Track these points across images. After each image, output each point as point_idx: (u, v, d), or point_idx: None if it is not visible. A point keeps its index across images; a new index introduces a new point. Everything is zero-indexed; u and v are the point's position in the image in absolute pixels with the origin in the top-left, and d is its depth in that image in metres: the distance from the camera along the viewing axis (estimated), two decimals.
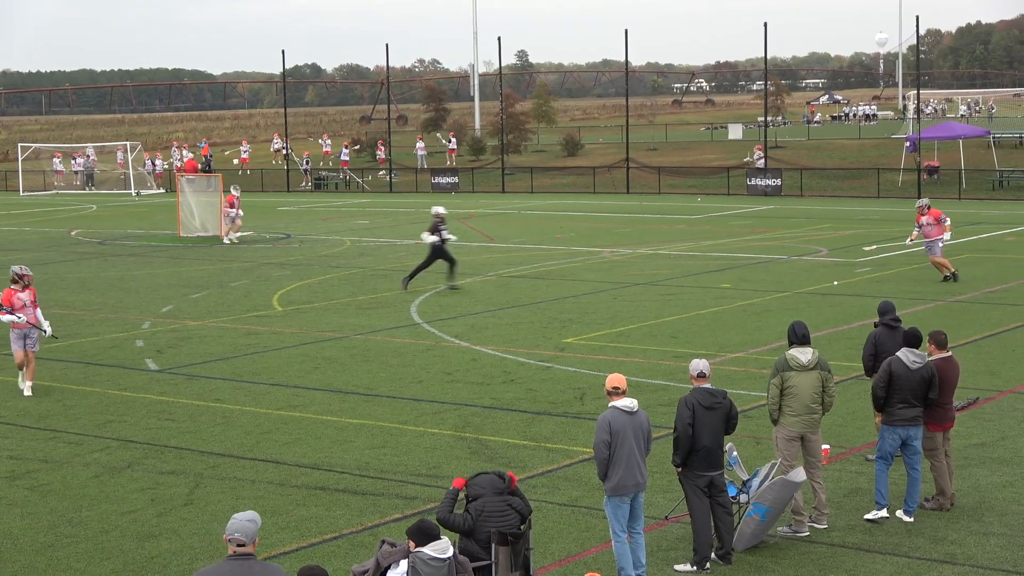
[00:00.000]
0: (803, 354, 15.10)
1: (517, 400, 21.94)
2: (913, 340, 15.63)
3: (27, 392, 23.22)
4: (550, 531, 15.20)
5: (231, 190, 49.13)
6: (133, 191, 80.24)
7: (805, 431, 15.11)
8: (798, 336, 15.29)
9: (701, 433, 13.99)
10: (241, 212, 49.54)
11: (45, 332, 23.94)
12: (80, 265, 43.04)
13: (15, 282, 23.67)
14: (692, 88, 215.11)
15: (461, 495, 12.86)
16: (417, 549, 11.38)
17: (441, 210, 35.83)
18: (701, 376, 14.25)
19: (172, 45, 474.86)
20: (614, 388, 13.59)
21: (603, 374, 17.18)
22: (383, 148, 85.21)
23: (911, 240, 34.42)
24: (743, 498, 14.69)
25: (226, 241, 48.45)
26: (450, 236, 36.09)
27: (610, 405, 13.59)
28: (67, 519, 16.26)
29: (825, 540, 14.90)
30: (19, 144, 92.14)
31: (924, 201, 34.27)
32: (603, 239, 46.14)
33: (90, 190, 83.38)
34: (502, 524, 12.46)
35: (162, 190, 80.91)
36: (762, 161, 69.67)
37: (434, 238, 35.21)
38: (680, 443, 14.07)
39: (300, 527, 15.67)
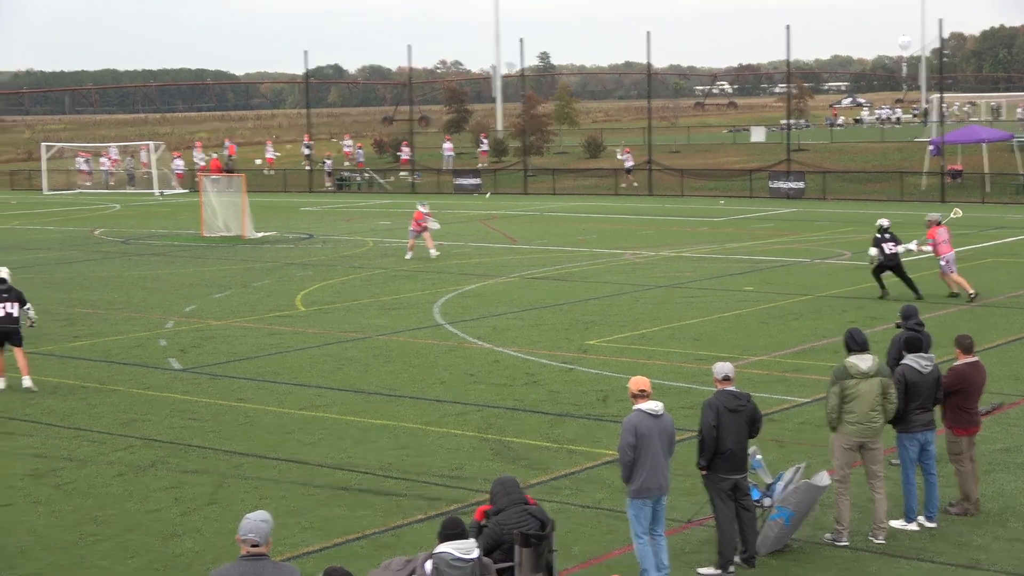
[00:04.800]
0: (863, 361, 14.95)
1: (540, 402, 21.94)
2: (914, 345, 15.58)
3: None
4: (573, 533, 15.19)
5: (419, 206, 42.85)
6: (157, 191, 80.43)
7: (865, 439, 14.94)
8: (857, 343, 15.12)
9: (726, 436, 13.97)
10: (437, 225, 43.55)
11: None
12: (103, 264, 43.17)
13: None
14: (714, 91, 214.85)
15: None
16: (441, 549, 11.34)
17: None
18: (726, 379, 14.22)
19: (195, 45, 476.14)
20: (640, 391, 13.58)
21: (626, 376, 17.19)
22: (405, 149, 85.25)
23: (916, 247, 33.34)
24: (767, 502, 14.66)
25: (408, 256, 42.19)
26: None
27: (635, 408, 13.57)
28: (91, 517, 16.32)
29: (848, 544, 14.86)
30: (43, 143, 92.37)
31: (935, 216, 33.23)
32: (625, 241, 46.10)
33: (132, 190, 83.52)
34: (524, 528, 12.44)
35: (185, 190, 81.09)
36: (630, 162, 72.97)
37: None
38: (705, 446, 14.05)
39: (324, 527, 15.69)
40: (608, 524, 15.57)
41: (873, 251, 32.29)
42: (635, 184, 72.60)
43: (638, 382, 13.67)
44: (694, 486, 16.07)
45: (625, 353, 25.91)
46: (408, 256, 41.91)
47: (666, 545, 13.81)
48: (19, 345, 24.08)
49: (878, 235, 32.25)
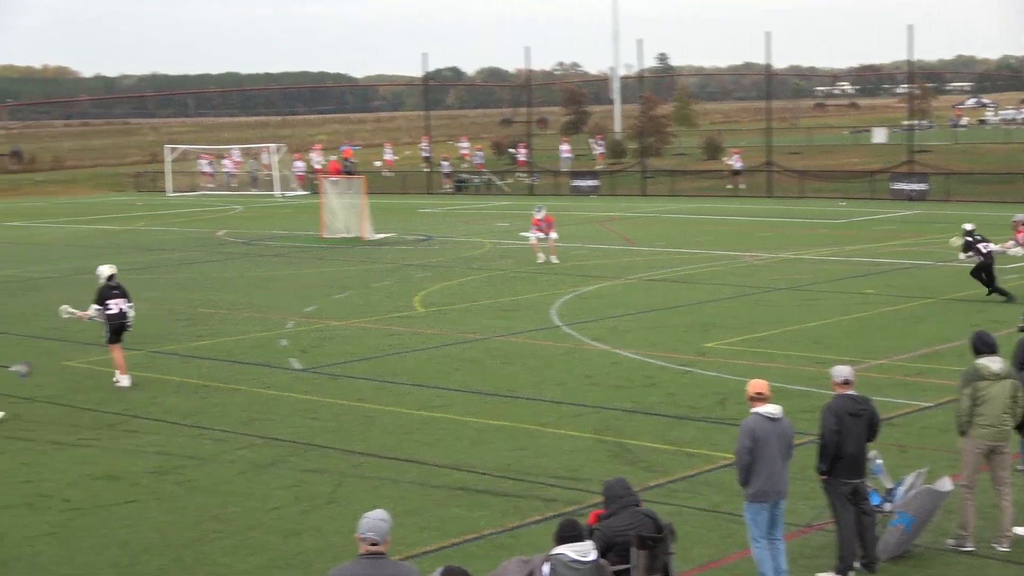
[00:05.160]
0: (994, 363, 14.71)
1: (658, 404, 21.87)
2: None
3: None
4: (690, 536, 15.11)
5: (535, 213, 41.69)
6: (278, 192, 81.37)
7: (996, 443, 14.69)
8: (987, 345, 14.88)
9: (846, 440, 13.83)
10: (552, 236, 41.42)
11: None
12: (226, 265, 43.77)
13: None
14: (835, 91, 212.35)
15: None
16: (558, 551, 11.36)
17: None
18: (846, 383, 14.08)
19: (315, 48, 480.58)
20: (757, 394, 13.49)
21: (744, 379, 17.05)
22: (523, 151, 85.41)
23: (1004, 248, 33.02)
24: (887, 507, 14.48)
25: (540, 259, 41.39)
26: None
27: (753, 411, 13.47)
28: (213, 515, 16.55)
29: (972, 550, 14.62)
30: (167, 146, 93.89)
31: (1021, 216, 33.17)
32: (744, 243, 45.78)
33: (254, 191, 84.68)
34: (638, 530, 12.40)
35: (306, 191, 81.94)
36: (739, 164, 72.36)
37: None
38: (826, 450, 13.91)
39: (441, 527, 15.77)
40: (726, 527, 15.47)
41: (959, 243, 32.39)
42: (742, 186, 72.20)
43: (756, 385, 13.59)
44: (813, 490, 15.92)
45: (744, 356, 25.73)
46: (540, 259, 41.20)
47: (784, 549, 13.69)
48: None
49: (969, 238, 31.94)
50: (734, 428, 18.34)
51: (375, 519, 9.81)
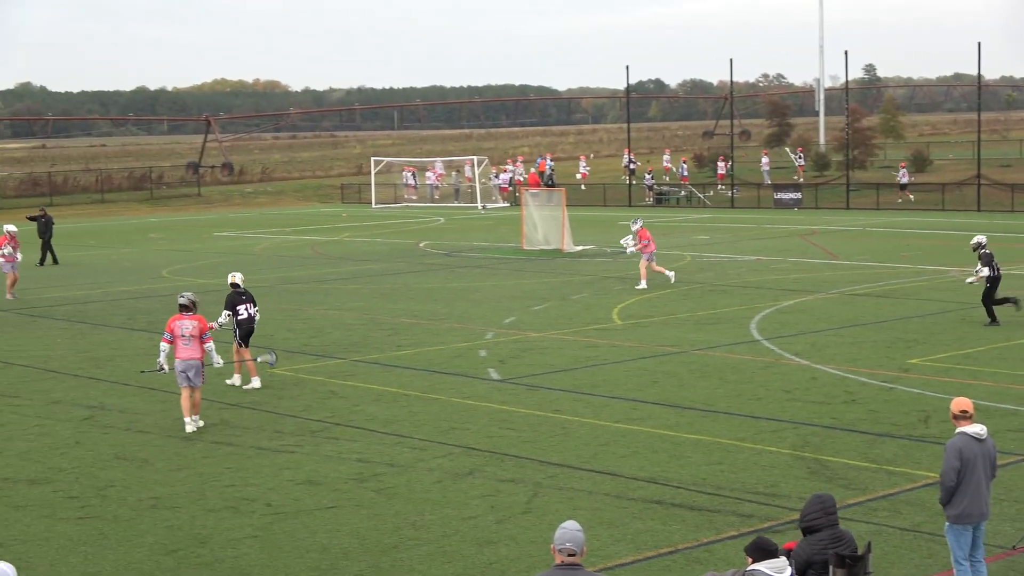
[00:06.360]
0: None
1: (858, 421, 21.48)
2: None
3: (190, 428, 22.12)
4: (890, 556, 14.81)
5: (634, 224, 40.46)
6: (479, 204, 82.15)
7: None
8: None
9: None
10: (646, 256, 39.71)
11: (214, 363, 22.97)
12: (427, 276, 44.31)
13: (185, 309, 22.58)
14: None
15: None
16: (753, 567, 11.24)
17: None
18: None
19: (519, 61, 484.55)
20: (961, 412, 13.17)
21: (949, 397, 16.66)
22: (724, 163, 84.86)
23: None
24: None
25: (640, 286, 39.33)
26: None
27: (958, 431, 13.15)
28: (410, 522, 16.74)
29: None
30: (372, 158, 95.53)
31: None
32: (951, 257, 44.73)
33: (456, 203, 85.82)
34: (839, 548, 12.20)
35: (506, 203, 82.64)
36: (906, 178, 72.58)
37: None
38: None
39: (636, 540, 15.72)
40: (927, 548, 15.13)
41: (985, 271, 31.00)
42: (911, 198, 72.65)
43: (960, 403, 13.27)
44: (1018, 512, 15.49)
45: (949, 373, 25.14)
46: (641, 286, 39.08)
47: (986, 572, 13.34)
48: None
49: (987, 252, 31.10)
50: (937, 447, 17.98)
51: (572, 530, 9.90)
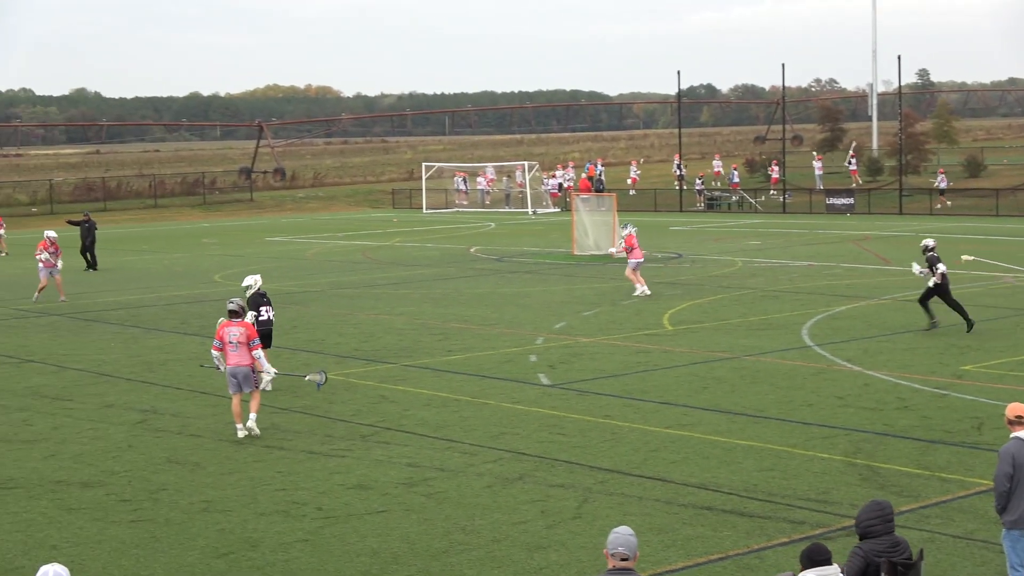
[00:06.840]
0: None
1: (911, 427, 21.34)
2: None
3: (242, 434, 21.97)
4: (942, 564, 14.70)
5: (626, 230, 40.05)
6: (530, 210, 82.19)
7: None
8: None
9: None
10: (632, 262, 39.25)
11: (266, 377, 23.42)
12: (478, 281, 44.35)
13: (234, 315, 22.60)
14: None
15: None
16: (805, 574, 11.18)
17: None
18: None
19: (570, 67, 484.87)
20: (1017, 417, 13.05)
21: (1003, 403, 16.50)
22: (776, 168, 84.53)
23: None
24: None
25: (637, 292, 38.98)
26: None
27: (1012, 436, 13.04)
28: (460, 526, 16.74)
29: None
30: (423, 163, 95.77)
31: None
32: (1005, 264, 44.34)
33: (507, 209, 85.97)
34: (893, 556, 12.12)
35: (557, 209, 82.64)
36: (944, 183, 72.79)
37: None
38: None
39: (686, 546, 15.66)
40: (980, 555, 15.00)
41: (919, 269, 31.39)
42: (949, 204, 72.35)
43: (1016, 408, 13.16)
44: None
45: (1004, 379, 24.93)
46: (637, 292, 38.64)
47: None
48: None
49: (933, 254, 30.99)
50: (991, 454, 17.82)
51: (625, 535, 9.93)
